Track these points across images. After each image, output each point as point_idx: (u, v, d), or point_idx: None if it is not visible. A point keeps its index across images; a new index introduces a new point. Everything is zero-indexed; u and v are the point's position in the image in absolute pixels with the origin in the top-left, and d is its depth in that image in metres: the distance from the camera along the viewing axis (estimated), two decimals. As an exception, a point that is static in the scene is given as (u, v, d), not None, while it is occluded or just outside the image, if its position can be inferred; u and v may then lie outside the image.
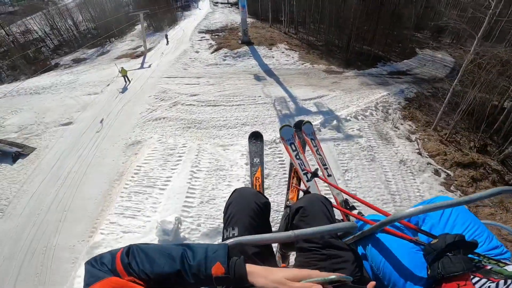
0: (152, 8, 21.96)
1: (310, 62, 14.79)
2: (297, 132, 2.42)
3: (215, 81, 12.42)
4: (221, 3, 27.65)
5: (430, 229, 1.27)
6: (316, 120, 9.46)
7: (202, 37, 18.69)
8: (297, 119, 9.65)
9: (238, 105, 10.67)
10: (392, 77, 14.11)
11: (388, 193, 7.29)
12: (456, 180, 7.91)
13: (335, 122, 9.52)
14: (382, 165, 8.15)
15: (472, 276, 1.00)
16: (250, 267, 0.67)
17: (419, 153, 8.72)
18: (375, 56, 16.53)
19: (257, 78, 12.76)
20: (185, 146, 8.37)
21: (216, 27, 20.78)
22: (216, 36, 18.99)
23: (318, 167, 2.22)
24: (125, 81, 13.08)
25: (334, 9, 18.09)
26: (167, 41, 19.32)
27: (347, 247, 1.09)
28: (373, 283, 0.68)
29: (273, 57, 15.04)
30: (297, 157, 2.23)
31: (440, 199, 1.24)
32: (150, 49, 18.87)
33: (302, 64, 14.48)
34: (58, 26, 27.88)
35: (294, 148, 2.26)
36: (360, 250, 1.28)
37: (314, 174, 1.99)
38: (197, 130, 9.45)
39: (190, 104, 10.69)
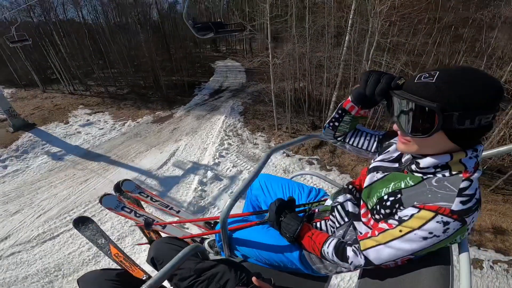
0: None
1: (132, 118, 12.65)
2: (122, 195, 2.34)
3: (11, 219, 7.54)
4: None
5: (265, 204, 1.44)
6: (194, 181, 8.32)
7: None
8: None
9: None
10: (215, 98, 14.91)
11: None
12: (325, 160, 9.66)
13: (209, 172, 8.75)
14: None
15: (314, 224, 1.15)
16: None
17: (288, 155, 9.85)
18: (187, 83, 16.78)
19: (82, 170, 9.21)
20: None
21: None
22: None
23: (147, 216, 2.15)
24: None
25: (123, 50, 16.35)
26: None
27: (215, 263, 1.13)
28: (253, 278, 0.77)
29: (80, 132, 11.44)
30: (137, 215, 2.14)
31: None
32: None
33: (123, 125, 12.08)
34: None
35: (128, 210, 2.17)
36: (238, 253, 1.37)
37: (148, 225, 1.99)
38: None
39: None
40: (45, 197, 8.21)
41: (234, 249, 1.36)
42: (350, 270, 1.01)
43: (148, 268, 1.55)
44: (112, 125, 11.96)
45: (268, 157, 1.30)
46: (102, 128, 11.69)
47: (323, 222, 1.13)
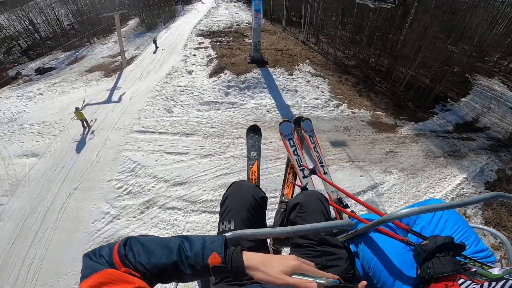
0: (145, 4, 17.14)
1: (348, 103, 10.63)
2: (296, 128, 2.45)
3: (213, 148, 8.11)
4: None
5: (420, 230, 1.31)
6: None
7: (199, 43, 14.02)
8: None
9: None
10: (461, 137, 10.16)
11: None
12: None
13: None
14: None
15: (458, 278, 1.02)
16: (247, 258, 0.65)
17: None
18: (426, 89, 12.41)
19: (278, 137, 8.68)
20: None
21: (218, 28, 15.99)
22: (218, 43, 14.33)
23: (315, 164, 2.22)
24: (84, 127, 8.91)
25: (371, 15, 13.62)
26: (156, 48, 14.80)
27: (341, 245, 1.10)
28: (364, 282, 0.67)
29: (297, 91, 10.67)
30: (295, 153, 2.26)
31: (432, 201, 1.27)
32: (132, 59, 14.23)
33: (337, 107, 10.30)
34: (36, 21, 22.08)
35: (292, 144, 2.31)
36: (352, 248, 1.32)
37: (312, 172, 2.01)
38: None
39: (173, 208, 6.57)
40: (236, 155, 8.20)
41: (353, 241, 1.31)
42: None
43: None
44: (326, 100, 10.43)
45: (489, 197, 1.04)
46: (317, 99, 10.41)
47: (469, 282, 0.96)
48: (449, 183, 7.90)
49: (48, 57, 17.56)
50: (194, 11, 20.79)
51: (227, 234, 0.79)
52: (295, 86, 10.93)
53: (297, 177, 2.17)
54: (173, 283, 1.07)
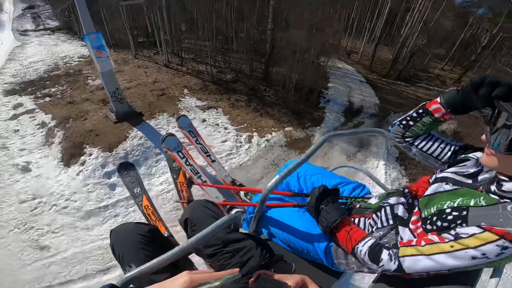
0: None
1: (256, 130, 9.49)
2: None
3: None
4: (34, 30, 15.21)
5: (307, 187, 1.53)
6: None
7: (15, 107, 8.68)
8: None
9: None
10: (356, 125, 11.32)
11: None
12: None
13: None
14: None
15: (352, 219, 1.16)
16: None
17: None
18: (304, 86, 13.08)
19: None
20: None
21: (37, 74, 10.47)
22: (48, 98, 9.29)
23: (188, 175, 2.26)
24: None
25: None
26: None
27: (244, 236, 1.15)
28: (236, 270, 0.70)
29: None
30: (187, 163, 2.31)
31: (290, 162, 1.34)
32: None
33: (250, 140, 8.90)
34: None
35: (182, 156, 2.35)
36: (265, 232, 1.42)
37: (190, 183, 2.02)
38: None
39: None
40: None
41: (262, 226, 1.38)
42: (372, 272, 1.03)
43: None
44: (236, 138, 8.82)
45: (323, 141, 1.29)
46: (226, 141, 8.64)
47: (362, 219, 1.13)
48: (379, 175, 8.43)
49: None
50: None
51: (115, 282, 0.76)
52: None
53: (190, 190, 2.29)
54: None
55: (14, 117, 8.52)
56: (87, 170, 6.65)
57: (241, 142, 8.70)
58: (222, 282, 0.62)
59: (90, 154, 7.07)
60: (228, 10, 13.52)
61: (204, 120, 9.16)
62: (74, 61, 11.91)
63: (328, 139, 1.30)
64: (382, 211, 1.05)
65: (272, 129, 9.76)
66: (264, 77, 12.59)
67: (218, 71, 13.44)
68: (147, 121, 8.48)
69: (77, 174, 6.66)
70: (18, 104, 9.02)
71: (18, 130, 8.18)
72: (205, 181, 2.67)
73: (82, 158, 7.02)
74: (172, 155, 2.31)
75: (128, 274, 0.81)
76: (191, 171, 2.21)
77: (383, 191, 1.23)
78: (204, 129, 8.71)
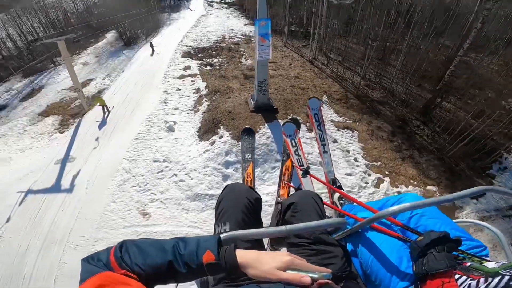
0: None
1: (390, 174, 7.55)
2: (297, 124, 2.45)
3: None
4: (217, 2, 18.92)
5: (418, 226, 1.28)
6: None
7: (185, 68, 10.39)
8: None
9: None
10: None
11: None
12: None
13: None
14: None
15: (454, 273, 1.01)
16: (240, 255, 0.66)
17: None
18: (474, 134, 9.56)
19: None
20: None
21: (208, 43, 12.38)
22: (208, 67, 10.70)
23: (303, 162, 2.30)
24: (104, 112, 8.47)
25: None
26: (152, 52, 12.28)
27: (336, 243, 1.11)
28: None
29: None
30: (296, 153, 2.31)
31: (410, 196, 1.33)
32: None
33: (378, 185, 7.06)
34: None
35: (294, 144, 2.35)
36: (349, 246, 1.31)
37: (306, 172, 2.08)
38: None
39: None
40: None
41: (350, 241, 1.29)
42: None
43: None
44: (362, 175, 7.26)
45: (478, 192, 1.02)
46: (350, 175, 7.31)
47: (464, 277, 0.97)
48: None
49: (5, 85, 12.87)
50: (181, 20, 18.16)
51: (221, 235, 0.78)
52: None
53: (292, 177, 2.29)
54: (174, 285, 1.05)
55: (182, 77, 9.93)
56: (213, 152, 6.99)
57: (366, 183, 7.23)
58: (320, 277, 0.61)
59: (221, 137, 7.39)
60: (402, 19, 11.19)
61: (335, 141, 8.08)
62: (237, 37, 12.86)
63: (484, 192, 1.00)
64: (497, 279, 0.84)
65: (411, 181, 7.68)
66: (423, 110, 10.00)
67: (365, 84, 11.74)
68: (279, 120, 8.17)
69: (204, 152, 7.12)
70: (187, 67, 10.47)
71: (180, 89, 9.53)
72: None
73: (214, 137, 7.44)
74: (285, 141, 2.34)
75: (237, 232, 0.83)
76: (297, 161, 2.23)
77: (507, 262, 0.99)
78: (333, 151, 7.71)
